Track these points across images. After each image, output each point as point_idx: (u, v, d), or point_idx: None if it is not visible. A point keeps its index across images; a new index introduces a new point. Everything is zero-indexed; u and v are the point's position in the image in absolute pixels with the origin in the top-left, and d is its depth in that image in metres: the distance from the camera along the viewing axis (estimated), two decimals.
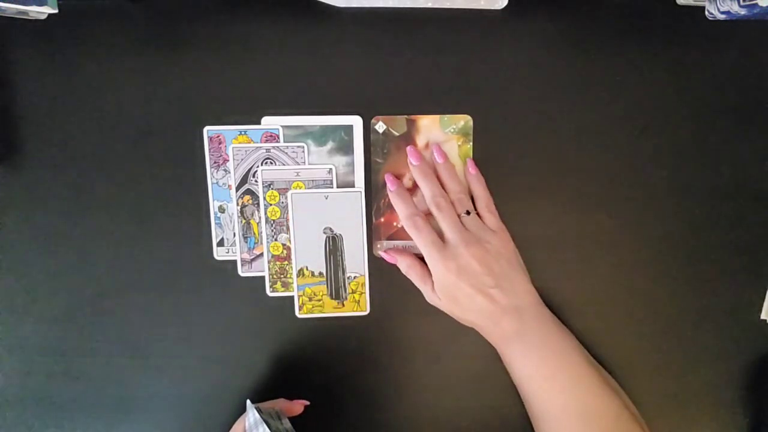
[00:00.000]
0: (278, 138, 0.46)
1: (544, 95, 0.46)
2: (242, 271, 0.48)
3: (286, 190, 0.47)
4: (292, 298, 0.48)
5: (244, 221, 0.47)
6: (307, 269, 0.47)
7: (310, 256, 0.47)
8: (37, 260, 0.47)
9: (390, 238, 0.48)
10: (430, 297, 0.46)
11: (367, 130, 0.46)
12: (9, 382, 0.48)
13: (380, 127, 0.47)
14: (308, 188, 0.47)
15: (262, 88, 0.46)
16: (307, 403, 0.46)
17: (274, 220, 0.47)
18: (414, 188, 0.47)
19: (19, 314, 0.47)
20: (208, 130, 0.46)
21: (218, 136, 0.46)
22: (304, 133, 0.46)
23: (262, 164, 0.47)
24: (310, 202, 0.47)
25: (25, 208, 0.46)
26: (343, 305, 0.48)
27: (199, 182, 0.47)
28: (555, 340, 0.45)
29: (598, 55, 0.46)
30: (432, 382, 0.49)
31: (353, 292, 0.48)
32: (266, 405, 0.44)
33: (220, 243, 0.47)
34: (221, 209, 0.47)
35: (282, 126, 0.46)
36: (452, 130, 0.47)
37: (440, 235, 0.45)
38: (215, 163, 0.47)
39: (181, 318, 0.48)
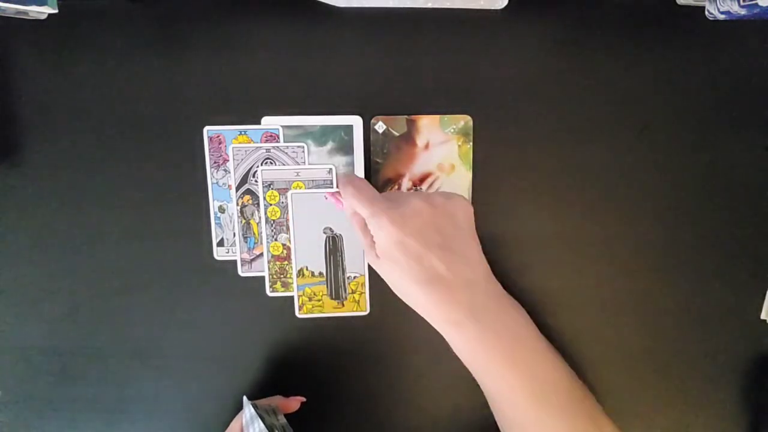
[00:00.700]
0: (278, 138, 0.46)
1: (545, 95, 0.46)
2: (242, 271, 0.48)
3: (286, 190, 0.47)
4: (292, 298, 0.48)
5: (244, 221, 0.47)
6: (307, 269, 0.47)
7: (310, 256, 0.47)
8: (37, 260, 0.47)
9: None
10: (368, 254, 0.42)
11: (367, 130, 0.47)
12: (9, 382, 0.48)
13: (380, 127, 0.47)
14: (308, 188, 0.47)
15: (262, 88, 0.46)
16: (304, 399, 0.46)
17: (274, 220, 0.47)
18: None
19: (19, 314, 0.47)
20: (208, 130, 0.46)
21: (218, 136, 0.46)
22: (304, 133, 0.46)
23: (262, 164, 0.47)
24: (310, 202, 0.47)
25: (25, 207, 0.46)
26: (343, 305, 0.48)
27: (199, 182, 0.47)
28: (509, 319, 0.42)
29: (598, 55, 0.46)
30: (432, 382, 0.49)
31: (353, 292, 0.48)
32: (263, 401, 0.44)
33: (220, 243, 0.47)
34: (221, 209, 0.47)
35: (282, 126, 0.46)
36: (452, 130, 0.47)
37: None
38: (215, 163, 0.47)
39: (181, 318, 0.48)
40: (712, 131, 0.47)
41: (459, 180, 0.47)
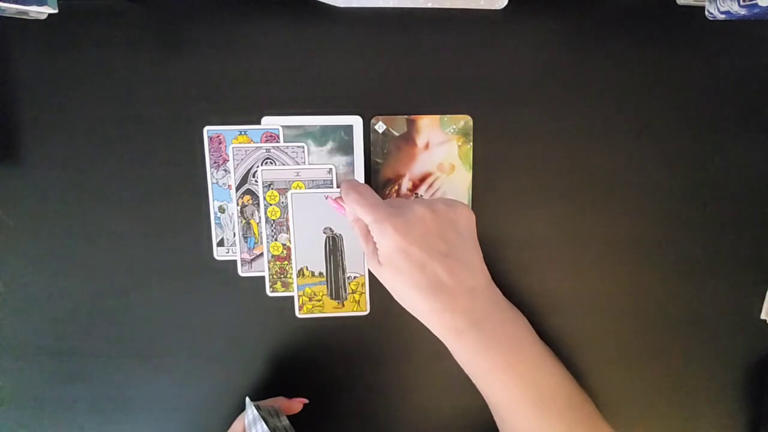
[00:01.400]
0: (278, 138, 0.46)
1: (544, 95, 0.46)
2: (242, 271, 0.48)
3: (286, 190, 0.47)
4: (292, 298, 0.48)
5: (244, 221, 0.47)
6: (307, 269, 0.47)
7: (310, 256, 0.47)
8: (37, 260, 0.47)
9: None
10: (370, 261, 0.41)
11: (367, 130, 0.46)
12: (9, 382, 0.48)
13: (380, 127, 0.47)
14: (308, 188, 0.47)
15: (262, 88, 0.46)
16: (306, 401, 0.46)
17: (274, 220, 0.47)
18: (410, 194, 0.47)
19: (19, 314, 0.47)
20: (208, 130, 0.46)
21: (218, 136, 0.46)
22: (304, 133, 0.46)
23: (262, 164, 0.47)
24: (310, 202, 0.47)
25: (25, 207, 0.46)
26: (343, 305, 0.48)
27: (199, 182, 0.47)
28: (510, 326, 0.42)
29: (598, 55, 0.46)
30: (432, 382, 0.49)
31: (353, 292, 0.48)
32: (265, 403, 0.44)
33: (220, 243, 0.47)
34: (221, 209, 0.47)
35: (282, 126, 0.46)
36: (452, 130, 0.47)
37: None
38: (215, 163, 0.47)
39: (181, 318, 0.48)
40: (712, 131, 0.47)
41: (459, 180, 0.47)
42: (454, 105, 0.46)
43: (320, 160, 0.47)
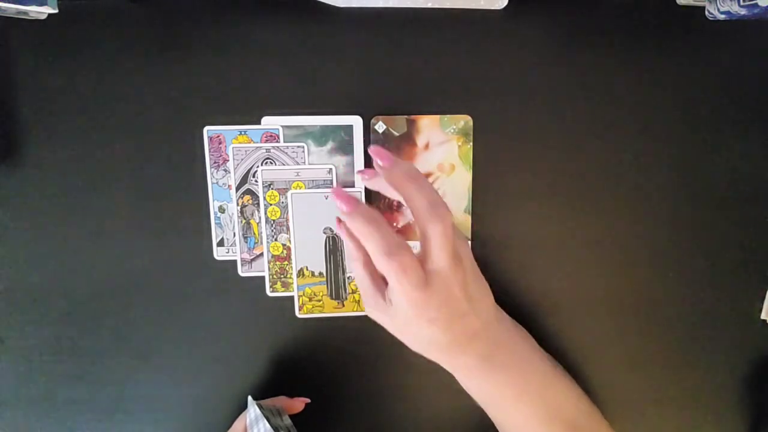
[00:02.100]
0: (278, 138, 0.46)
1: (545, 95, 0.46)
2: (242, 271, 0.48)
3: (286, 190, 0.47)
4: (292, 298, 0.48)
5: (244, 221, 0.47)
6: (307, 269, 0.47)
7: (310, 256, 0.47)
8: (37, 260, 0.47)
9: None
10: (376, 306, 0.38)
11: (367, 130, 0.46)
12: (8, 382, 0.48)
13: (380, 127, 0.47)
14: (308, 188, 0.47)
15: (262, 88, 0.46)
16: (308, 401, 0.46)
17: (274, 220, 0.47)
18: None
19: (19, 314, 0.47)
20: (208, 130, 0.46)
21: (218, 136, 0.46)
22: (304, 133, 0.46)
23: (262, 164, 0.47)
24: (310, 202, 0.47)
25: (25, 207, 0.46)
26: (343, 305, 0.48)
27: (199, 182, 0.47)
28: (516, 349, 0.42)
29: (598, 55, 0.46)
30: (432, 382, 0.49)
31: (353, 292, 0.48)
32: (267, 402, 0.44)
33: (220, 243, 0.47)
34: (221, 209, 0.47)
35: (282, 126, 0.46)
36: (452, 130, 0.47)
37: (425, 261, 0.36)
38: (215, 163, 0.47)
39: (181, 318, 0.48)
40: (712, 131, 0.47)
41: (459, 180, 0.47)
42: (454, 105, 0.46)
43: (320, 160, 0.47)
